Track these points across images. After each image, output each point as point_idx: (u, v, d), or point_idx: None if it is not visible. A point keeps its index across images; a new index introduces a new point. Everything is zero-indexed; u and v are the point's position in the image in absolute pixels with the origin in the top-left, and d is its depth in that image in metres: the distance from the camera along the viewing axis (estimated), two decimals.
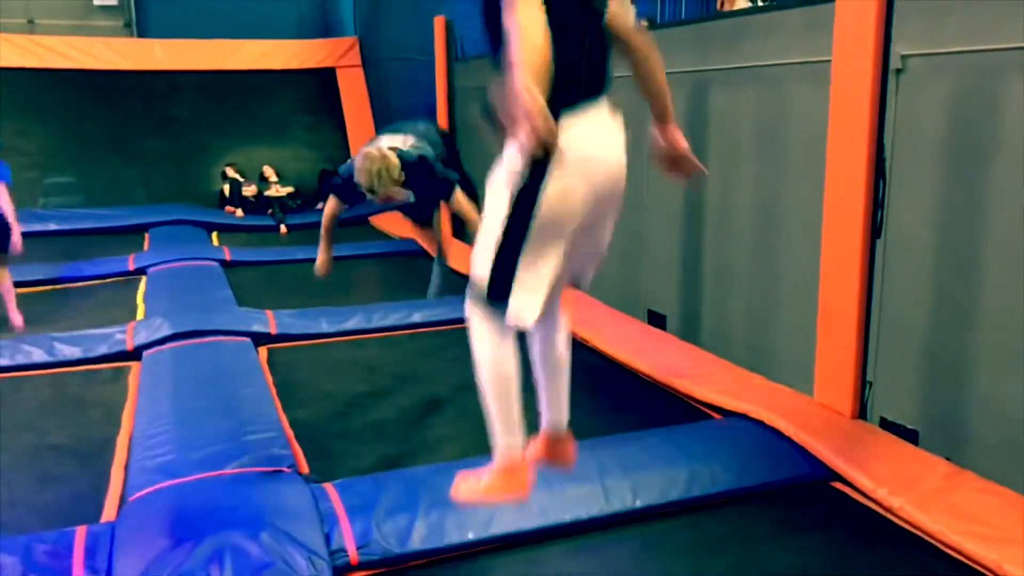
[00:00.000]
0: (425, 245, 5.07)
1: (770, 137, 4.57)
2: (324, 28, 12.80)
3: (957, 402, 3.42)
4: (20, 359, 4.73)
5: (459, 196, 4.62)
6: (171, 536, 2.68)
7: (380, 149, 4.41)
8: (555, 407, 2.45)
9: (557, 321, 2.34)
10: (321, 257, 4.79)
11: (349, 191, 4.59)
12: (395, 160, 4.33)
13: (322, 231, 4.79)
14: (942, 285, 3.51)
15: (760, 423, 3.64)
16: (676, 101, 5.49)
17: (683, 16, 8.57)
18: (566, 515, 2.98)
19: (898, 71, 3.69)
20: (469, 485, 2.38)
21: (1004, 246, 3.23)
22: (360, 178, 4.31)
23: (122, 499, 3.22)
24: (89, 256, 7.86)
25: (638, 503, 3.06)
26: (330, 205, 4.73)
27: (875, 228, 3.62)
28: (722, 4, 6.82)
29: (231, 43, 11.32)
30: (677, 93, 5.33)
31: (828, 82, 3.75)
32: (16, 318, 5.67)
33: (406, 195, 4.45)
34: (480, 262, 2.08)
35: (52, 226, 9.38)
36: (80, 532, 2.76)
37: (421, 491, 3.02)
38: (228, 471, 3.22)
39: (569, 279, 2.28)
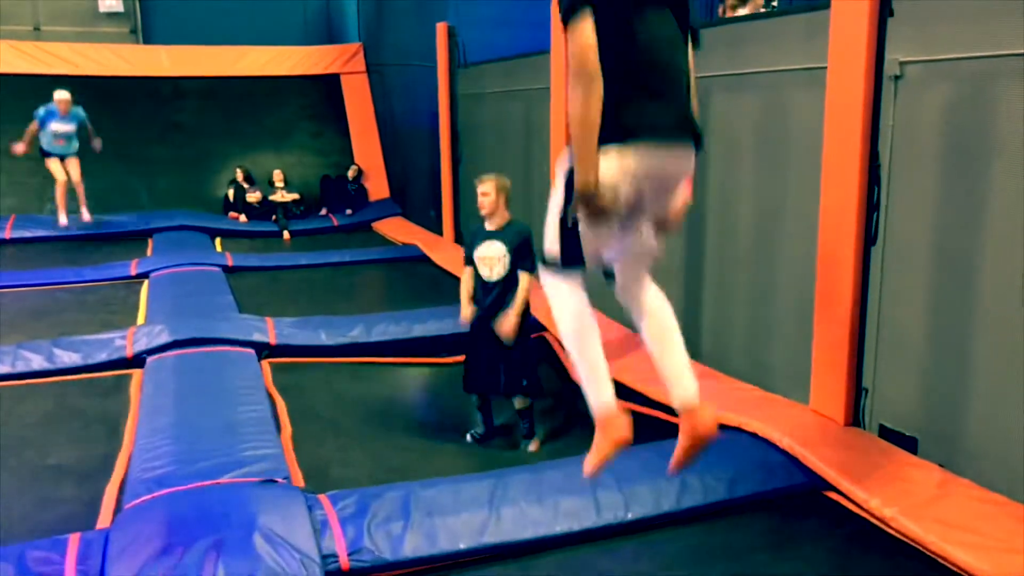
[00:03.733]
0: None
1: (770, 144, 4.57)
2: (329, 34, 12.85)
3: (956, 408, 3.41)
4: (20, 366, 4.75)
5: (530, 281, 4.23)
6: (164, 541, 2.70)
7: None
8: (678, 381, 2.49)
9: (645, 298, 2.52)
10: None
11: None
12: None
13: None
14: (940, 291, 3.50)
15: (752, 434, 3.62)
16: None
17: None
18: (557, 527, 2.97)
19: (896, 77, 3.69)
20: (588, 458, 2.43)
21: (1001, 252, 3.22)
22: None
23: (117, 509, 3.23)
24: (93, 261, 7.91)
25: (630, 515, 3.06)
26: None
27: (870, 235, 3.61)
28: (724, 11, 6.83)
29: (236, 49, 11.38)
30: None
31: (824, 88, 3.75)
32: (85, 214, 8.54)
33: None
34: (549, 237, 2.40)
35: (56, 231, 9.42)
36: (73, 539, 2.78)
37: (414, 502, 3.02)
38: (223, 480, 3.23)
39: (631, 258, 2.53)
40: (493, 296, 4.22)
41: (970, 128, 3.41)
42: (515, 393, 4.30)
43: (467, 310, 4.30)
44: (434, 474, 3.62)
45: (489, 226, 4.30)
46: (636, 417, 4.18)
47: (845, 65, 3.55)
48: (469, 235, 4.51)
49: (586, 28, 2.15)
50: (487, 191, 4.27)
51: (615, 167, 2.20)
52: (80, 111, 8.97)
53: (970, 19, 3.39)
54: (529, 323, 4.37)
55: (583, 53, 2.15)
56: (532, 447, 4.29)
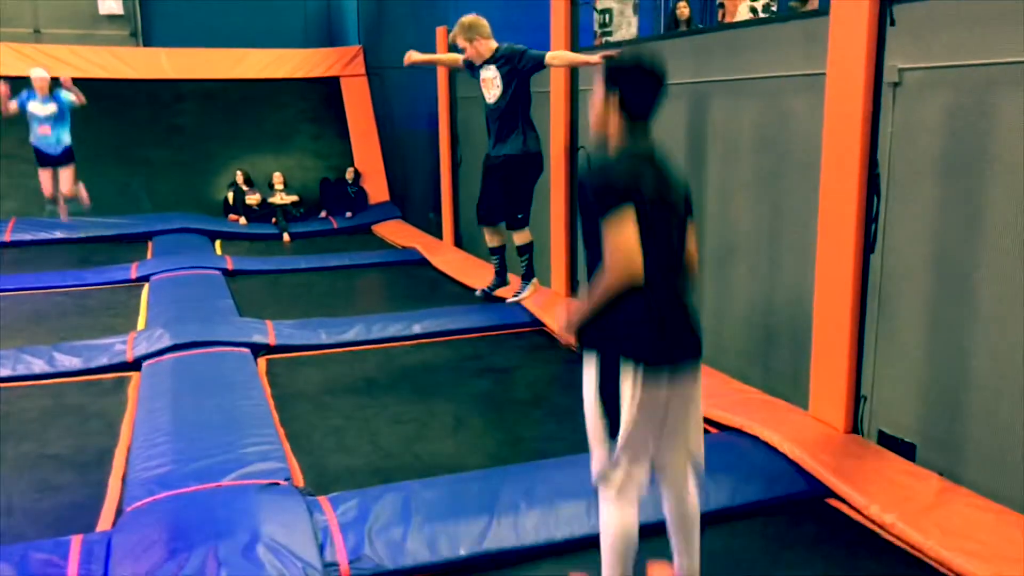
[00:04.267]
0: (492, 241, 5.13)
1: (769, 149, 4.58)
2: (329, 37, 12.86)
3: (954, 415, 3.42)
4: (21, 369, 4.76)
5: (554, 56, 4.87)
6: (166, 546, 2.70)
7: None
8: (685, 555, 2.59)
9: (683, 486, 2.53)
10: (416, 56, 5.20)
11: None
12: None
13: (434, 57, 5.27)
14: (938, 298, 3.51)
15: (754, 438, 3.64)
16: (676, 113, 5.53)
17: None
18: (558, 533, 2.98)
19: (895, 84, 3.70)
20: None
21: (1000, 260, 3.23)
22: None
23: (119, 509, 3.24)
24: (93, 264, 7.92)
25: None
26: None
27: (869, 242, 3.62)
28: (723, 16, 6.86)
29: (236, 52, 11.39)
30: (677, 105, 5.38)
31: (823, 94, 3.76)
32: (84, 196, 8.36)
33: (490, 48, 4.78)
34: (596, 454, 2.44)
35: (58, 234, 9.46)
36: (76, 541, 2.78)
37: (414, 506, 3.03)
38: (224, 483, 3.24)
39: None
40: (499, 123, 4.73)
41: (969, 135, 3.42)
42: (514, 226, 4.90)
43: (416, 56, 5.13)
44: (429, 460, 3.70)
45: (477, 62, 4.82)
46: None
47: (844, 72, 3.57)
48: (466, 63, 5.06)
49: (630, 226, 2.16)
50: (476, 41, 4.79)
51: (634, 395, 2.26)
52: (65, 95, 8.35)
53: (969, 27, 3.41)
54: (534, 157, 4.95)
55: (631, 255, 2.16)
56: (524, 294, 4.90)
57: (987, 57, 3.33)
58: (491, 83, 4.76)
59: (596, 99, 2.36)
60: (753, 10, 7.66)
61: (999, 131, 3.27)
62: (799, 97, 4.30)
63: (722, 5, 6.97)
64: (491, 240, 4.89)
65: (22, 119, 8.79)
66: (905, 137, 3.69)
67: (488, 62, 4.78)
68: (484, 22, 4.95)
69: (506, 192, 4.95)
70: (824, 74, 3.77)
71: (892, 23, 3.56)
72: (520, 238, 4.85)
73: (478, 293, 4.80)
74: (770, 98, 4.55)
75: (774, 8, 7.90)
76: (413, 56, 5.08)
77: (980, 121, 3.38)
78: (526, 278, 4.84)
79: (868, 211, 3.57)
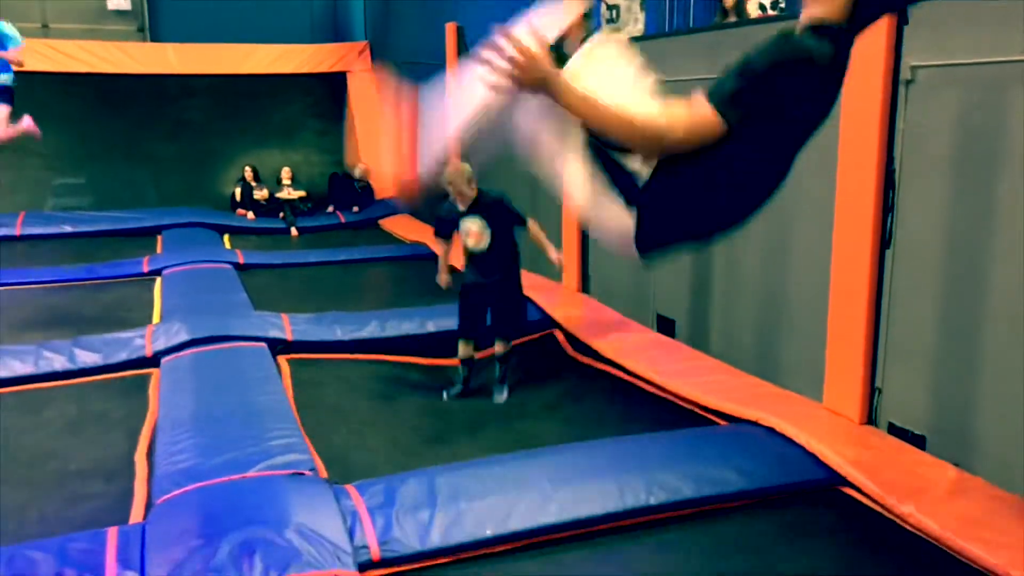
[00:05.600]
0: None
1: None
2: (335, 32, 12.89)
3: (964, 408, 3.48)
4: (43, 365, 4.80)
5: (532, 224, 4.92)
6: (200, 534, 2.77)
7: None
8: None
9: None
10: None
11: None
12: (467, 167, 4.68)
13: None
14: (950, 292, 3.57)
15: (770, 429, 3.70)
16: None
17: (692, 24, 8.64)
18: (582, 511, 3.05)
19: (908, 82, 3.76)
20: None
21: (1012, 254, 3.29)
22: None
23: (148, 502, 3.30)
24: (103, 258, 7.97)
25: (652, 500, 3.13)
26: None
27: (885, 237, 3.68)
28: (727, 13, 6.89)
29: (243, 47, 11.41)
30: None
31: None
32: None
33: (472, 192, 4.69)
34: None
35: (67, 228, 9.50)
36: (112, 532, 2.85)
37: (439, 489, 3.10)
38: (251, 474, 3.31)
39: None
40: (483, 262, 4.75)
41: (981, 132, 3.48)
42: (504, 335, 4.88)
43: (445, 276, 4.97)
44: (448, 457, 3.76)
45: (462, 206, 4.73)
46: (662, 400, 4.33)
47: (861, 69, 3.60)
48: (445, 213, 4.92)
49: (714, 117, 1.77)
50: (463, 190, 4.63)
51: None
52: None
53: (982, 25, 3.46)
54: (519, 277, 4.98)
55: (700, 126, 1.76)
56: (500, 398, 4.80)
57: (999, 55, 3.38)
58: (479, 236, 4.70)
59: None
60: (762, 7, 7.70)
61: (1011, 128, 3.32)
62: None
63: (725, 12, 7.00)
64: (465, 352, 4.85)
65: (33, 115, 8.82)
66: (918, 134, 3.74)
67: (471, 213, 4.69)
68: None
69: (499, 310, 4.93)
70: None
71: (906, 21, 3.61)
72: (504, 347, 4.89)
73: (446, 398, 4.84)
74: None
75: (782, 5, 7.94)
76: (444, 278, 5.02)
77: (992, 118, 3.43)
78: (503, 383, 4.88)
79: (885, 206, 3.62)
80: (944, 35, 3.61)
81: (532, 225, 4.89)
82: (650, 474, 3.24)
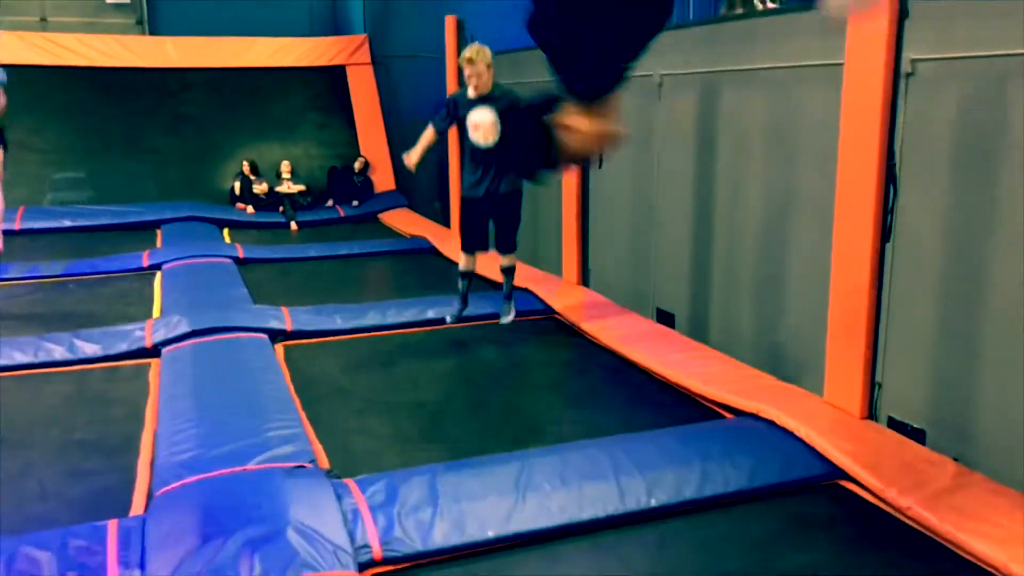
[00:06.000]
0: None
1: (781, 138, 4.62)
2: (334, 26, 12.87)
3: (964, 402, 3.48)
4: (43, 356, 4.82)
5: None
6: (201, 532, 2.76)
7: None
8: None
9: None
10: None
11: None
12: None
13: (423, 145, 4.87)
14: (951, 287, 3.56)
15: (770, 423, 3.70)
16: (686, 102, 5.57)
17: (691, 17, 8.61)
18: (583, 513, 3.05)
19: (908, 75, 3.75)
20: None
21: (1013, 248, 3.28)
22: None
23: (149, 493, 3.30)
24: (103, 252, 7.97)
25: (653, 502, 3.14)
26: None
27: (885, 231, 3.67)
28: (734, 5, 6.86)
29: (242, 41, 11.40)
30: (687, 93, 5.42)
31: (839, 85, 3.80)
32: None
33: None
34: None
35: (67, 222, 9.51)
36: (112, 526, 2.85)
37: (441, 487, 3.10)
38: (252, 467, 3.31)
39: None
40: (489, 162, 4.49)
41: (982, 126, 3.47)
42: (508, 248, 4.82)
43: (415, 156, 4.69)
44: (451, 441, 3.79)
45: (473, 94, 4.50)
46: (663, 388, 4.34)
47: (863, 62, 3.60)
48: (451, 102, 4.73)
49: None
50: (481, 71, 4.42)
51: None
52: None
53: (982, 17, 3.45)
54: (522, 185, 4.82)
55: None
56: (508, 318, 4.88)
57: (999, 48, 3.37)
58: (488, 129, 4.46)
59: None
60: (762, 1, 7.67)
61: (1012, 122, 3.31)
62: (813, 87, 4.34)
63: (731, 2, 6.97)
64: (468, 264, 4.77)
65: (34, 109, 8.83)
66: (918, 128, 3.73)
67: (482, 102, 4.46)
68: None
69: (503, 223, 4.87)
70: (840, 64, 3.80)
71: (906, 13, 3.60)
72: (511, 260, 4.86)
73: (449, 320, 4.82)
74: (784, 88, 4.59)
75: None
76: (413, 159, 4.82)
77: (993, 112, 3.42)
78: (510, 299, 4.88)
79: (885, 201, 3.61)
80: (944, 28, 3.60)
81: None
82: (651, 474, 3.24)
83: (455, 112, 4.58)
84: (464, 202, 4.75)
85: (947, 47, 3.60)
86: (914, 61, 3.72)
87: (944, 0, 3.61)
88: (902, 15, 3.43)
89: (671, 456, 3.37)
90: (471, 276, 4.89)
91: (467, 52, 4.41)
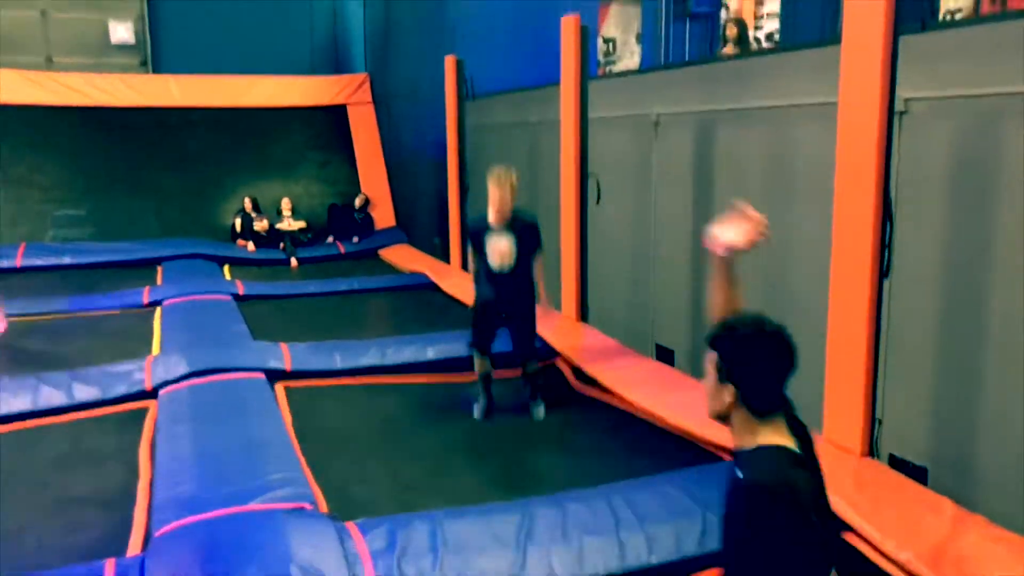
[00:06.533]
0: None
1: (777, 175, 4.67)
2: (336, 65, 13.03)
3: (965, 438, 3.47)
4: (41, 400, 4.76)
5: (539, 261, 4.86)
6: (201, 570, 2.74)
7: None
8: None
9: None
10: None
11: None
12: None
13: None
14: (950, 322, 3.57)
15: None
16: (683, 140, 5.63)
17: (687, 57, 8.74)
18: (584, 570, 2.99)
19: (902, 113, 3.80)
20: None
21: (1010, 284, 3.30)
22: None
23: (147, 534, 3.27)
24: (104, 289, 7.98)
25: (654, 559, 3.07)
26: None
27: (883, 266, 3.69)
28: (727, 43, 6.98)
29: (244, 79, 11.54)
30: (684, 132, 5.47)
31: (834, 123, 3.84)
32: None
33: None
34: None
35: (67, 259, 9.54)
36: (109, 565, 2.83)
37: (442, 536, 3.05)
38: (251, 507, 3.29)
39: None
40: (503, 282, 4.67)
41: (975, 163, 3.51)
42: (531, 355, 4.85)
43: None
44: (450, 490, 3.74)
45: (495, 220, 4.62)
46: (663, 430, 4.30)
47: (856, 101, 3.63)
48: (475, 225, 4.86)
49: None
50: (505, 197, 4.56)
51: None
52: None
53: (972, 58, 3.51)
54: (535, 295, 4.89)
55: None
56: (540, 413, 4.82)
57: (989, 88, 3.42)
58: (505, 255, 4.63)
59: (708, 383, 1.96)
60: (756, 40, 7.80)
61: (1005, 159, 3.35)
62: (809, 125, 4.39)
63: (725, 39, 7.10)
64: (483, 367, 4.79)
65: (38, 147, 8.84)
66: (913, 164, 3.78)
67: (503, 230, 4.63)
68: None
69: (518, 330, 4.88)
70: (835, 103, 3.85)
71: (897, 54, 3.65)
72: (534, 364, 4.89)
73: (477, 416, 4.74)
74: (780, 126, 4.65)
75: (777, 39, 8.04)
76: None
77: (985, 149, 3.46)
78: (535, 399, 4.85)
79: (882, 237, 3.63)
80: (936, 67, 3.66)
81: (539, 262, 4.83)
82: (652, 527, 3.19)
83: (476, 242, 4.76)
84: (479, 305, 4.86)
85: (939, 86, 3.66)
86: (908, 100, 3.78)
87: (935, 35, 3.67)
88: (895, 53, 3.48)
89: (672, 506, 3.31)
90: (489, 377, 4.87)
91: (496, 173, 4.58)
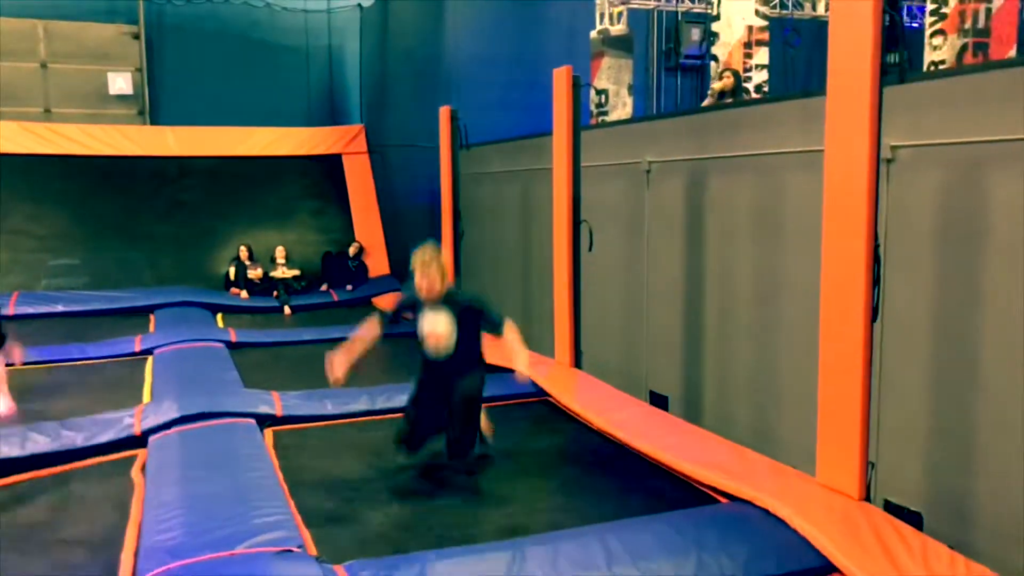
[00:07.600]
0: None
1: (767, 222, 4.72)
2: (331, 116, 13.21)
3: (961, 483, 3.45)
4: (30, 448, 4.68)
5: (510, 328, 4.20)
6: None
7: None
8: None
9: None
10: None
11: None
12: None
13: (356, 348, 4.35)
14: (941, 364, 3.58)
15: (764, 511, 3.63)
16: (675, 188, 5.71)
17: (678, 107, 8.90)
18: None
19: (889, 161, 3.86)
20: None
21: (999, 326, 3.32)
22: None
23: None
24: (96, 337, 7.94)
25: None
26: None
27: (873, 310, 3.71)
28: (723, 95, 7.12)
29: (241, 130, 11.67)
30: (675, 180, 5.55)
31: (821, 170, 3.90)
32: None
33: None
34: None
35: (60, 307, 9.51)
36: None
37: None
38: (239, 551, 3.24)
39: None
40: (442, 370, 4.03)
41: (961, 209, 3.56)
42: (461, 455, 4.14)
43: (341, 370, 4.09)
44: (442, 527, 3.71)
45: (427, 300, 4.07)
46: (657, 472, 4.26)
47: (843, 149, 3.69)
48: (406, 301, 4.30)
49: None
50: (433, 284, 4.01)
51: None
52: None
53: (957, 107, 3.59)
54: (482, 388, 4.26)
55: None
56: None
57: (974, 136, 3.49)
58: (442, 336, 4.03)
59: None
60: (745, 91, 7.96)
61: (991, 206, 3.40)
62: (797, 173, 4.46)
63: (712, 91, 7.26)
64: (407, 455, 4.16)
65: (37, 197, 8.89)
66: (900, 211, 3.83)
67: (439, 306, 4.05)
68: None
69: (457, 431, 4.19)
70: (822, 151, 3.91)
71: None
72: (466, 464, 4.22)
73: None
74: (769, 173, 4.72)
75: (766, 89, 8.21)
76: (338, 372, 4.23)
77: (971, 195, 3.52)
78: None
79: (871, 281, 3.66)
80: (921, 116, 3.74)
81: (509, 329, 4.13)
82: (646, 565, 3.16)
83: (404, 313, 4.19)
84: (412, 395, 4.25)
85: (925, 135, 3.73)
86: (894, 147, 3.85)
87: (921, 84, 3.75)
88: (882, 101, 3.55)
89: (666, 545, 3.28)
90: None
91: (419, 257, 4.06)
